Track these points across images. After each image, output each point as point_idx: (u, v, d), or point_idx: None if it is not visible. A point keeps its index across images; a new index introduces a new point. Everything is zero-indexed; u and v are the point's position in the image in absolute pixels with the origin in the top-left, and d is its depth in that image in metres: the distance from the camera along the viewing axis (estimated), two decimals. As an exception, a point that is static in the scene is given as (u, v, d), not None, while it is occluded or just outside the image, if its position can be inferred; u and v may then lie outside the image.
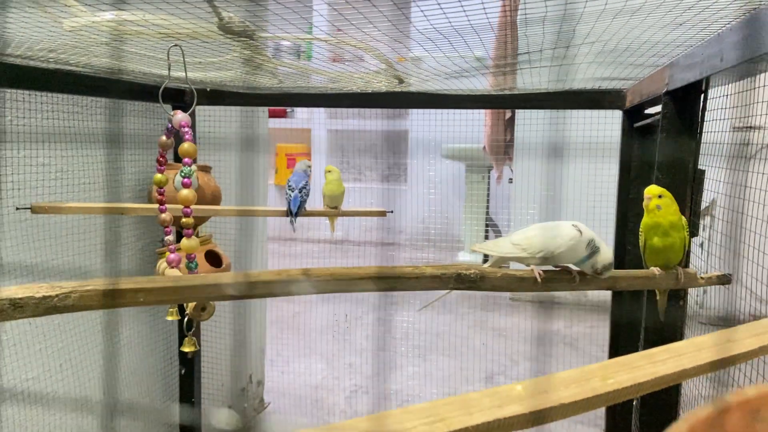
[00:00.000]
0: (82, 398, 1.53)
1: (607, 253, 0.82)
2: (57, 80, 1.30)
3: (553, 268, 0.84)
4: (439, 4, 0.76)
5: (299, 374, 2.71)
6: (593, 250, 0.81)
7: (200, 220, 1.62)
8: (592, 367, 0.53)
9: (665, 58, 1.10)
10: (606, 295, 1.71)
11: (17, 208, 1.30)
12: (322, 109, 5.28)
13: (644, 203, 0.90)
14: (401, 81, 1.30)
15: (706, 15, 0.69)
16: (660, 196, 0.88)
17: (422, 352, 3.01)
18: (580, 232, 0.80)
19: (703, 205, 1.22)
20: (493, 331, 3.38)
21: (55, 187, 1.41)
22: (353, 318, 3.43)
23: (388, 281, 0.68)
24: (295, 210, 1.39)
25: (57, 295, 0.55)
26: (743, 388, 0.21)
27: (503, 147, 3.87)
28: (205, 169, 1.64)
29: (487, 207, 4.33)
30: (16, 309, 0.53)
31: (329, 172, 1.52)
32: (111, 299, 0.55)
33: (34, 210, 1.32)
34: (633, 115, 1.58)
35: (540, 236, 0.81)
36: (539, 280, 0.79)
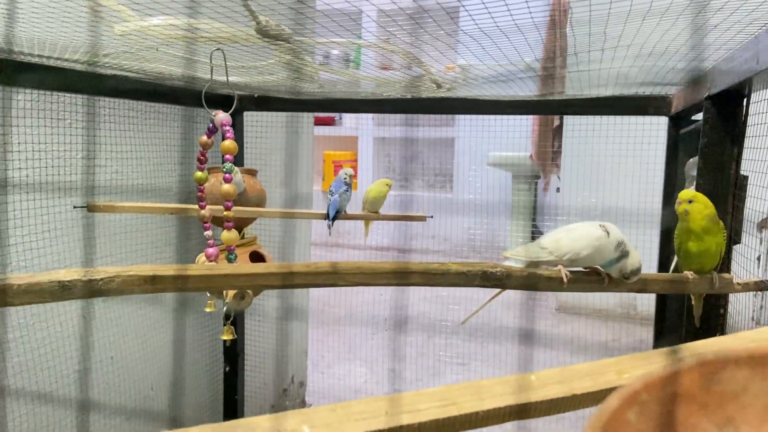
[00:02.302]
0: (129, 391, 1.60)
1: (636, 257, 0.81)
2: (113, 85, 1.38)
3: (582, 269, 0.84)
4: (483, 6, 0.78)
5: (341, 377, 2.74)
6: (622, 253, 0.80)
7: (245, 221, 1.68)
8: (609, 361, 0.53)
9: (707, 62, 1.09)
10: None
11: (74, 207, 1.38)
12: (369, 117, 5.34)
13: (675, 207, 0.89)
14: (439, 86, 1.32)
15: (739, 17, 0.69)
16: (690, 201, 0.88)
17: (464, 360, 3.00)
18: (607, 233, 0.80)
19: (761, 216, 1.19)
20: (537, 342, 3.33)
21: (110, 187, 1.49)
22: (397, 325, 3.45)
23: (414, 276, 0.70)
24: (333, 214, 1.44)
25: (102, 279, 0.59)
26: (703, 352, 0.22)
27: (551, 155, 3.83)
28: (251, 172, 1.69)
29: (534, 216, 4.28)
30: (64, 290, 0.58)
31: (387, 185, 1.54)
32: (151, 284, 0.59)
33: (90, 209, 1.40)
34: (679, 121, 1.56)
35: (566, 238, 0.81)
36: (565, 280, 0.79)
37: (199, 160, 1.15)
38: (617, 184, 2.85)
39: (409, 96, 1.57)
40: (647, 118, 1.75)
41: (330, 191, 1.52)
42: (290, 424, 0.41)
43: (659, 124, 1.74)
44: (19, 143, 1.24)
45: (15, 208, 1.24)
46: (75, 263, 1.39)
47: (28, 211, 1.27)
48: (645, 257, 1.69)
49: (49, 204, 1.32)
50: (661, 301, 1.64)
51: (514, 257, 0.88)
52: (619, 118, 1.86)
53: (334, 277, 0.66)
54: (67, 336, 1.39)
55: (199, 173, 1.14)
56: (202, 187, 1.16)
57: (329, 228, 1.44)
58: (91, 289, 0.58)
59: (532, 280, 0.77)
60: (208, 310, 1.21)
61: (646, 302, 3.43)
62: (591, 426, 0.21)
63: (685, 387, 0.20)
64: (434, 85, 1.31)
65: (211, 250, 1.06)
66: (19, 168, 1.25)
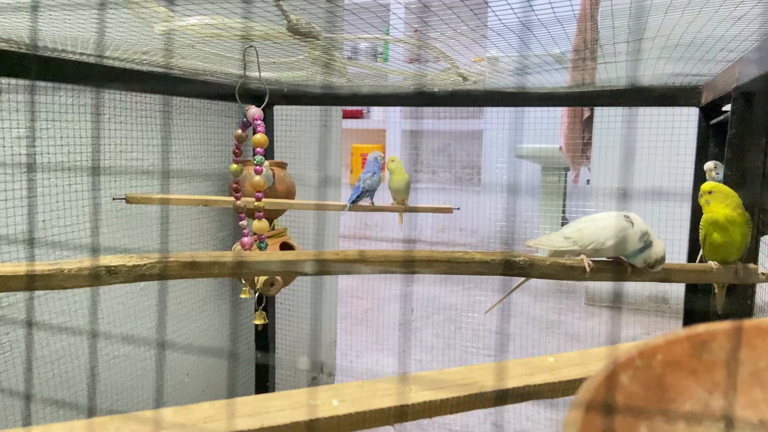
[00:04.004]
0: (165, 378, 1.66)
1: (659, 246, 0.82)
2: (150, 81, 1.43)
3: (605, 259, 0.85)
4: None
5: (369, 368, 2.78)
6: (646, 243, 0.81)
7: (275, 213, 1.72)
8: (628, 344, 0.55)
9: (735, 53, 1.08)
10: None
11: (113, 199, 1.44)
12: (397, 110, 5.36)
13: (699, 199, 0.90)
14: (465, 79, 1.34)
15: (762, 8, 0.69)
16: (710, 192, 0.88)
17: (492, 352, 3.01)
18: (632, 224, 0.81)
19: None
20: (566, 336, 3.32)
21: (147, 179, 1.55)
22: (424, 317, 3.48)
23: (439, 265, 0.72)
24: (352, 199, 1.48)
25: (145, 264, 0.63)
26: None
27: (580, 147, 3.80)
28: (281, 165, 1.73)
29: (564, 208, 4.26)
30: (111, 275, 0.62)
31: (392, 161, 1.58)
32: (190, 270, 0.63)
33: (128, 200, 1.45)
34: (709, 112, 1.55)
35: (590, 228, 0.82)
36: (588, 270, 0.81)
37: (234, 153, 1.19)
38: (648, 175, 2.83)
39: (435, 89, 1.59)
40: (678, 109, 1.74)
41: (359, 178, 1.56)
42: (321, 398, 0.44)
43: (690, 115, 1.73)
44: (62, 137, 1.30)
45: (58, 200, 1.30)
46: (114, 253, 1.45)
47: (69, 203, 1.33)
48: (675, 248, 1.69)
49: (88, 196, 1.38)
50: (691, 293, 1.64)
51: (537, 245, 0.89)
52: (649, 109, 1.85)
53: (361, 264, 0.69)
54: (107, 323, 1.45)
55: (234, 165, 1.18)
56: (237, 179, 1.20)
57: (346, 209, 1.48)
58: (136, 274, 0.62)
59: (554, 269, 0.79)
60: (243, 296, 1.25)
61: (676, 295, 3.40)
62: (586, 386, 0.23)
63: (677, 355, 0.22)
64: (460, 78, 1.33)
65: (246, 239, 1.10)
66: (62, 161, 1.31)
